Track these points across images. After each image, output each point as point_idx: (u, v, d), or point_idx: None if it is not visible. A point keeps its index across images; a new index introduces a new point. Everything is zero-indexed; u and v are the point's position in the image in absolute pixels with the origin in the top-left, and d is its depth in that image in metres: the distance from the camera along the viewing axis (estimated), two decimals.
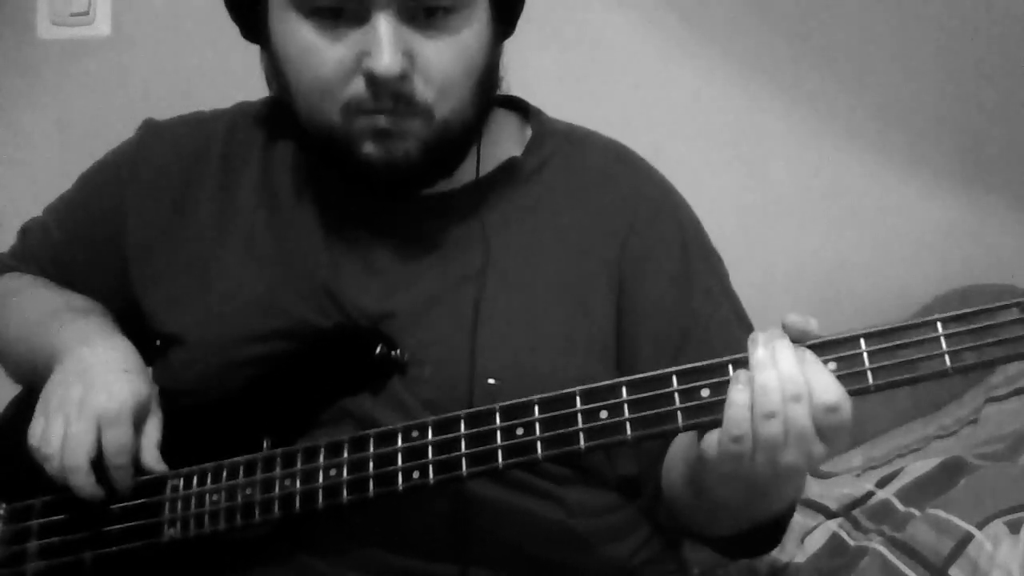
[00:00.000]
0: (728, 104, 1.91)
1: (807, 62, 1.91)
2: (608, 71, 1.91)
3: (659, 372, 0.89)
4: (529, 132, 1.15)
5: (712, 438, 0.87)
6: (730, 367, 0.86)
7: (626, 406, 0.89)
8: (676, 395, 0.87)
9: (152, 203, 1.15)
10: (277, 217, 1.12)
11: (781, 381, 0.82)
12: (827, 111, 1.91)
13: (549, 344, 1.04)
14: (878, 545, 1.36)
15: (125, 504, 1.04)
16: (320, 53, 0.98)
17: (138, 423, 1.05)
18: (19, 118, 1.99)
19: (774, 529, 1.02)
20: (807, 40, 1.91)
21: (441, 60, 0.98)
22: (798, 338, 0.85)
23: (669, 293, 1.08)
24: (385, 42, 0.95)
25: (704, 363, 0.87)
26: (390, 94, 0.97)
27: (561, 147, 1.14)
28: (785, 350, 0.83)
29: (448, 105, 1.00)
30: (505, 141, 1.14)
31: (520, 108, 1.18)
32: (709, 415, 0.86)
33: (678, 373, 0.88)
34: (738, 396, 0.84)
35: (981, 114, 1.91)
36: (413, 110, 0.99)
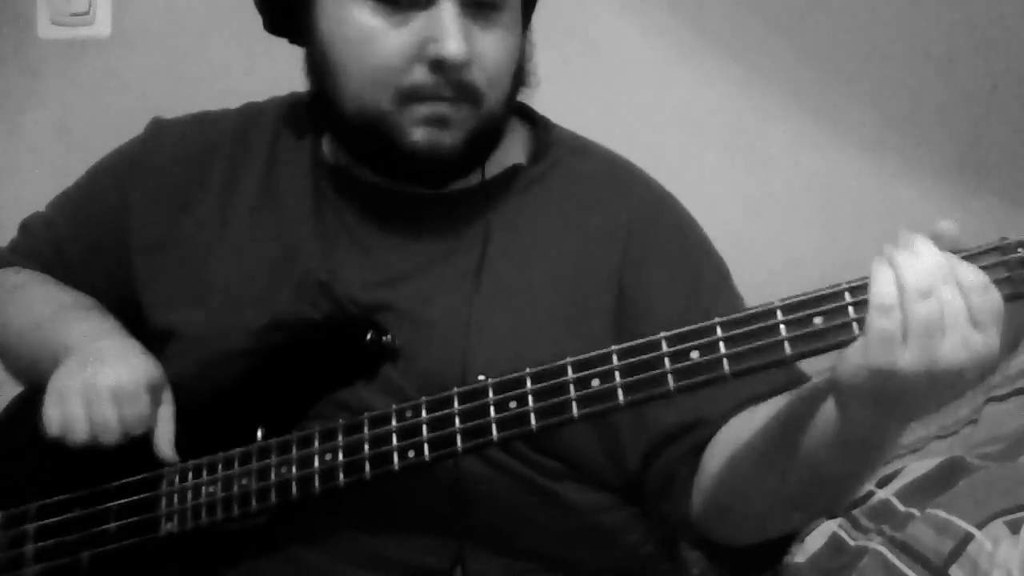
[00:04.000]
0: (728, 105, 1.91)
1: (807, 62, 1.91)
2: (608, 72, 1.91)
3: (649, 338, 0.88)
4: (535, 140, 1.16)
5: (852, 351, 0.81)
6: (718, 329, 0.86)
7: (617, 372, 0.89)
8: (666, 359, 0.87)
9: (157, 200, 1.16)
10: (278, 215, 1.13)
11: (932, 263, 0.79)
12: (827, 111, 1.91)
13: (541, 346, 1.04)
14: (878, 545, 1.35)
15: (121, 502, 1.04)
16: (381, 38, 1.00)
17: (154, 404, 1.05)
18: (19, 118, 1.99)
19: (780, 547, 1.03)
20: (807, 40, 1.91)
21: (493, 51, 1.02)
22: (948, 246, 0.83)
23: (677, 295, 1.09)
24: (455, 28, 0.98)
25: (694, 327, 0.87)
26: (454, 81, 1.00)
27: (564, 156, 1.16)
28: (924, 242, 0.81)
29: (495, 95, 1.04)
30: (512, 147, 1.15)
31: (528, 116, 1.19)
32: (704, 374, 0.86)
33: (667, 338, 0.87)
34: (883, 273, 0.80)
35: (981, 114, 1.91)
36: (470, 97, 1.02)
